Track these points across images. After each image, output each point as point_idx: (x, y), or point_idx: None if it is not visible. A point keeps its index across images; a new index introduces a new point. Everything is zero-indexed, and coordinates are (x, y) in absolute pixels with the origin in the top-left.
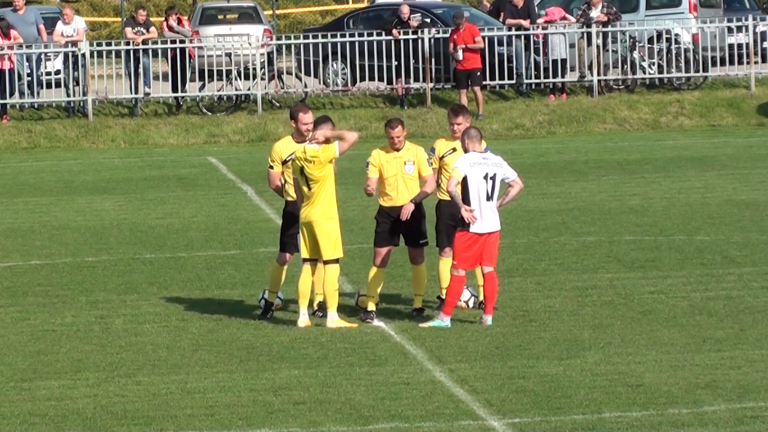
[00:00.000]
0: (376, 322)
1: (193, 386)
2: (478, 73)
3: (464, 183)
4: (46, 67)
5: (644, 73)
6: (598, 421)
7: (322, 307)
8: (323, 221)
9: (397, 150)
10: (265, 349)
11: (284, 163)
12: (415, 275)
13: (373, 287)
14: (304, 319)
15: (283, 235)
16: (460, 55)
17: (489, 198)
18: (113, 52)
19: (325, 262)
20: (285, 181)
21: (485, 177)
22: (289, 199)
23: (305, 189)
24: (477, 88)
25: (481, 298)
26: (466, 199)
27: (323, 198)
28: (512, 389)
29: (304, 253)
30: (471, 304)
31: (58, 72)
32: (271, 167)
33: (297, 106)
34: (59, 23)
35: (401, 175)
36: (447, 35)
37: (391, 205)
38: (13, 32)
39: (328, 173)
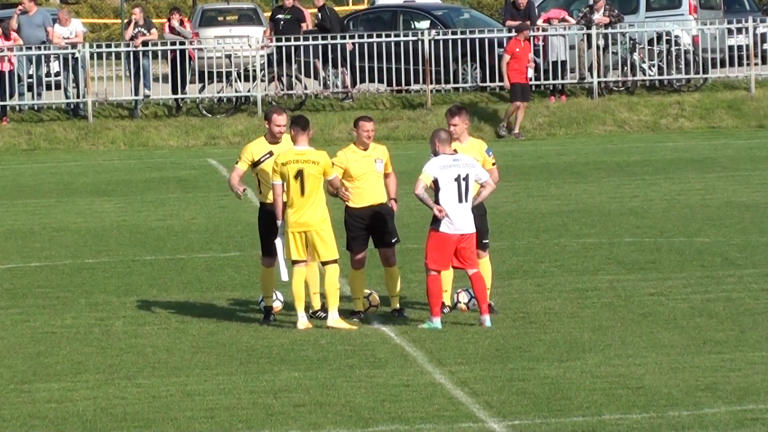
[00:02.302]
0: (376, 325)
1: (193, 388)
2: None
3: (436, 186)
4: (48, 68)
5: (644, 74)
6: (598, 424)
7: (323, 308)
8: (321, 224)
9: (365, 149)
10: (265, 351)
11: (256, 164)
12: (389, 277)
13: (358, 290)
14: (303, 321)
15: (265, 238)
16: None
17: (461, 200)
18: (113, 54)
19: (325, 263)
20: (260, 181)
21: (456, 179)
22: (265, 200)
23: (297, 193)
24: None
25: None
26: (437, 202)
27: (318, 201)
28: (512, 391)
29: (295, 255)
30: (471, 305)
31: (58, 74)
32: (236, 162)
33: (272, 107)
34: (56, 25)
35: (371, 173)
36: (447, 37)
37: (361, 206)
38: (12, 34)
39: (321, 177)
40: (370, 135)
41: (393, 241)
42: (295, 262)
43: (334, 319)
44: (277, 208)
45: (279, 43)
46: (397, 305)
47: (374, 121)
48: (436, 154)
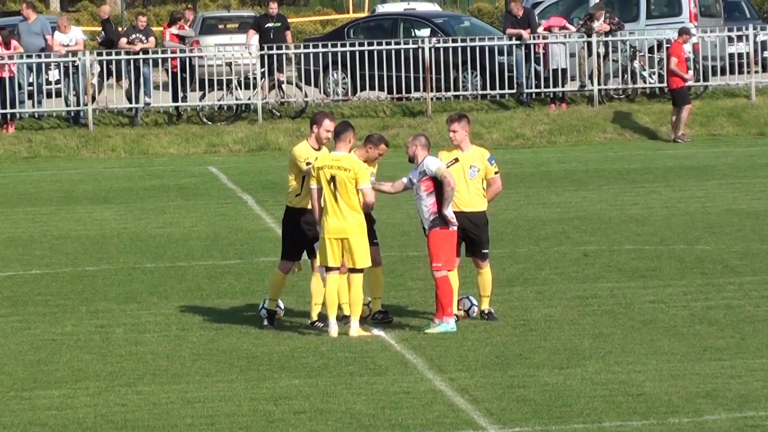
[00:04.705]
0: (377, 332)
1: (194, 396)
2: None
3: (435, 183)
4: (48, 76)
5: (645, 82)
6: (599, 431)
7: (321, 318)
8: (358, 231)
9: (370, 164)
10: (265, 358)
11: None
12: (373, 277)
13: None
14: (334, 328)
15: (289, 244)
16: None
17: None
18: (113, 62)
19: (352, 271)
20: (302, 186)
21: None
22: (291, 204)
23: (330, 198)
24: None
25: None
26: (439, 198)
27: (353, 207)
28: (512, 398)
29: (331, 261)
30: (471, 313)
31: (58, 81)
32: (308, 164)
33: (321, 111)
34: (56, 33)
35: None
36: (447, 45)
37: None
38: (13, 42)
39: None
40: (380, 158)
41: (374, 241)
42: (328, 269)
43: (355, 329)
44: (315, 212)
45: (279, 51)
46: (379, 306)
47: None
48: (412, 158)
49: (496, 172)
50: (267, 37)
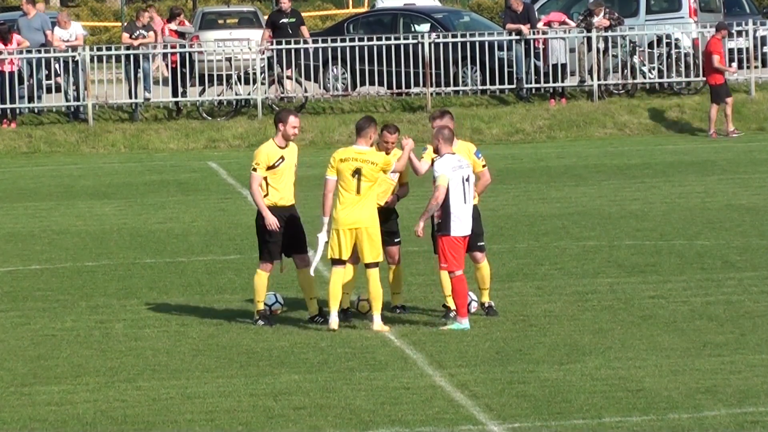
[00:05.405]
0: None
1: (194, 391)
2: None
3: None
4: (49, 72)
5: (644, 77)
6: (599, 426)
7: (321, 314)
8: (373, 224)
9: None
10: (265, 354)
11: (269, 169)
12: (393, 275)
13: (349, 286)
14: (335, 321)
15: (266, 244)
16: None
17: (466, 201)
18: (113, 57)
19: (368, 265)
20: (268, 185)
21: (463, 180)
22: (269, 203)
23: (352, 191)
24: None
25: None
26: (446, 203)
27: (370, 201)
28: (512, 394)
29: (344, 253)
30: (471, 309)
31: (57, 74)
32: (255, 170)
33: (284, 109)
34: (56, 28)
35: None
36: (447, 40)
37: None
38: (16, 37)
39: (379, 176)
40: (390, 147)
41: (396, 240)
42: (335, 262)
43: (378, 324)
44: (327, 203)
45: (279, 46)
46: (400, 302)
47: (398, 133)
48: (437, 150)
49: (483, 165)
50: (284, 33)
